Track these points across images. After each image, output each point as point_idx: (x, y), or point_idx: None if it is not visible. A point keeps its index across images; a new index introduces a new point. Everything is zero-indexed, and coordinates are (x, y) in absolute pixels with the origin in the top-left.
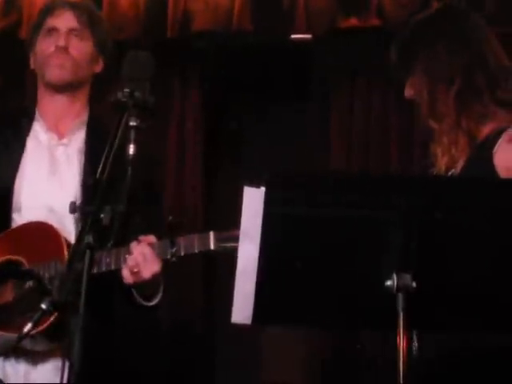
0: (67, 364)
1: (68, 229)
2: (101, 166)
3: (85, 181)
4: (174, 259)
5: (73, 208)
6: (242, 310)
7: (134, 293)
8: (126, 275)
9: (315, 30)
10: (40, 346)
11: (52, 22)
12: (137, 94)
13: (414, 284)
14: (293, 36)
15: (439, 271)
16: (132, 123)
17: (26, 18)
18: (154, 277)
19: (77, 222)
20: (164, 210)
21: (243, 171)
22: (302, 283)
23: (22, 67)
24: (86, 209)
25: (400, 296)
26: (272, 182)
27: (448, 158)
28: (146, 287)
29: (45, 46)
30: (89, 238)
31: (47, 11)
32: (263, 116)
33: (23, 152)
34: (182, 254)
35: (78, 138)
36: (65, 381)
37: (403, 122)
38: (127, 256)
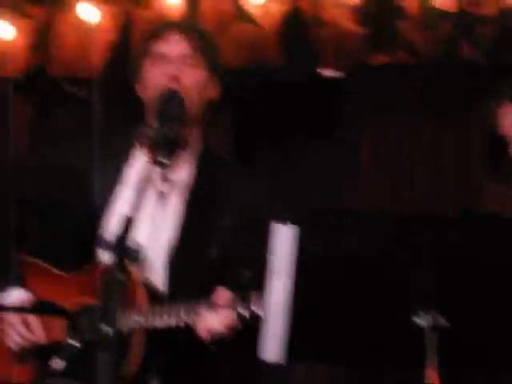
0: None
1: (158, 273)
2: (133, 202)
3: (185, 220)
4: (247, 315)
5: (105, 245)
6: (271, 348)
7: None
8: (203, 333)
9: (344, 66)
10: None
11: (160, 47)
12: (166, 131)
13: (442, 320)
14: (322, 72)
15: (466, 307)
16: (162, 160)
17: (56, 55)
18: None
19: (165, 265)
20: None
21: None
22: (331, 321)
23: (53, 103)
24: (118, 246)
25: (428, 332)
26: (303, 220)
27: None
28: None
29: (154, 75)
30: (119, 276)
31: (154, 35)
32: (292, 152)
33: (121, 180)
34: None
35: (188, 170)
36: None
37: (433, 155)
38: (205, 313)
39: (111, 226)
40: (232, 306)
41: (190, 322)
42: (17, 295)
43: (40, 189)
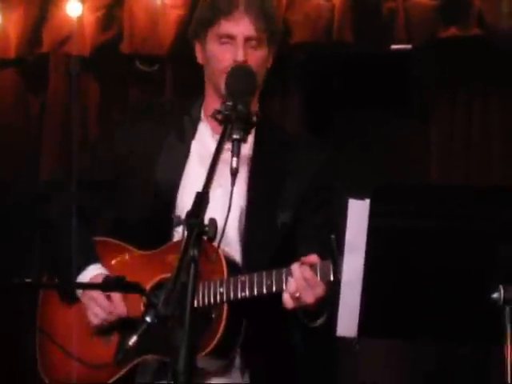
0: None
1: (232, 247)
2: (205, 178)
3: (251, 190)
4: (338, 280)
5: (178, 221)
6: (347, 322)
7: (300, 315)
8: (287, 300)
9: (415, 41)
10: (210, 365)
11: (228, 27)
12: (239, 107)
13: None
14: (393, 46)
15: None
16: (235, 136)
17: (128, 32)
18: (318, 301)
19: (238, 237)
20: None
21: (342, 182)
22: (407, 295)
23: (124, 81)
24: (191, 222)
25: (507, 309)
26: (378, 195)
27: None
28: (308, 308)
29: (220, 55)
30: (194, 252)
31: (222, 11)
32: (364, 127)
33: (188, 157)
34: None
35: (248, 143)
36: None
37: (506, 131)
38: (289, 278)
39: (185, 203)
40: (323, 271)
41: (275, 288)
42: (94, 271)
43: (107, 168)
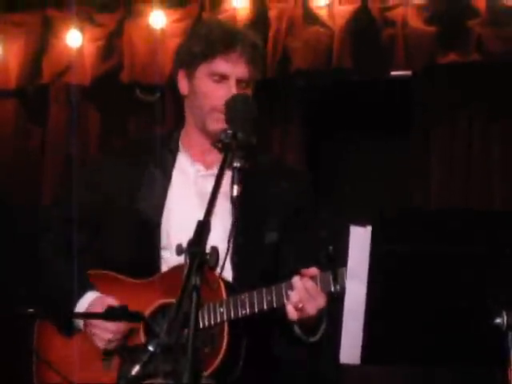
0: None
1: (224, 267)
2: (206, 206)
3: (237, 215)
4: (338, 291)
5: (179, 250)
6: (350, 350)
7: (296, 328)
8: (291, 311)
9: (415, 66)
10: None
11: (224, 67)
12: (240, 135)
13: None
14: (392, 72)
15: None
16: (236, 164)
17: (128, 62)
18: (320, 312)
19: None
20: (317, 234)
21: (343, 207)
22: (409, 321)
23: (124, 110)
24: (193, 250)
25: (510, 334)
26: (379, 221)
27: None
28: (309, 321)
29: (212, 93)
30: (196, 280)
31: (220, 49)
32: (363, 152)
33: (169, 186)
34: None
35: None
36: None
37: (507, 156)
38: (290, 292)
39: (170, 228)
40: (323, 282)
41: (275, 304)
42: (92, 295)
43: (93, 203)
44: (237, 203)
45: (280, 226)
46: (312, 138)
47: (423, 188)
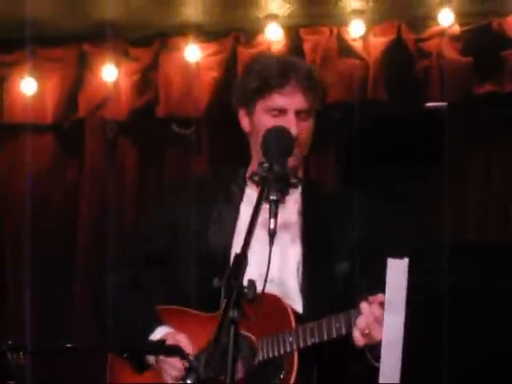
0: None
1: (294, 299)
2: (243, 240)
3: (307, 245)
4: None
5: (217, 284)
6: (388, 379)
7: (367, 354)
8: (358, 337)
9: (450, 98)
10: None
11: (281, 102)
12: (276, 168)
13: None
14: (427, 104)
15: None
16: (272, 197)
17: (163, 96)
18: None
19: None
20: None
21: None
22: (449, 354)
23: (160, 144)
24: (230, 284)
25: None
26: (417, 254)
27: None
28: (378, 347)
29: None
30: (233, 313)
31: (275, 84)
32: (400, 184)
33: (237, 219)
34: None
35: (295, 199)
36: None
37: None
38: (357, 317)
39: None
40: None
41: (344, 331)
42: (163, 331)
43: (161, 239)
44: (274, 236)
45: (349, 255)
46: (347, 169)
47: (460, 220)
